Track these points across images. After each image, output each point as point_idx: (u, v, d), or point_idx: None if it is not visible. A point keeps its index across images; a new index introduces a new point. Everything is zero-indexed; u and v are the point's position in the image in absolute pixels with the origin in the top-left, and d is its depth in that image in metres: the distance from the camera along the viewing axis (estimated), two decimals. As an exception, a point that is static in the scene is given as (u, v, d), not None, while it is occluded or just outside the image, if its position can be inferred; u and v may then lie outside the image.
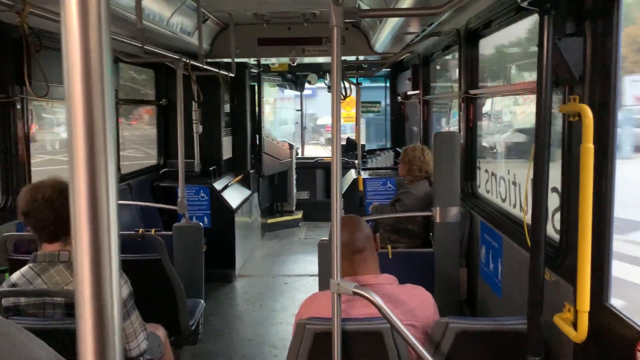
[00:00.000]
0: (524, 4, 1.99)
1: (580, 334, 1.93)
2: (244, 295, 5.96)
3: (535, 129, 2.04)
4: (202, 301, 4.09)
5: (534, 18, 2.51)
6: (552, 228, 2.51)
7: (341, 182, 2.04)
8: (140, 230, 3.84)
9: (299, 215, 8.98)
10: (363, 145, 8.71)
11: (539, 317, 2.06)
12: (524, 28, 3.31)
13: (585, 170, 1.87)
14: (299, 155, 9.71)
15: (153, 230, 3.95)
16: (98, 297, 0.50)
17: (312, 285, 5.96)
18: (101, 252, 0.50)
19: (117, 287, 0.51)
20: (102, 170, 0.49)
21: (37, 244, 2.51)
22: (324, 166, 9.24)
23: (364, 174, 6.58)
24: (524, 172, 2.40)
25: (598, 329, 1.92)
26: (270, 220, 8.71)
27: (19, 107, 3.57)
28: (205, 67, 5.10)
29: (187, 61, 4.59)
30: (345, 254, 2.23)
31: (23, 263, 2.38)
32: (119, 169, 5.51)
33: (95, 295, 0.50)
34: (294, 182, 8.91)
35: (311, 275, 6.32)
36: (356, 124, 7.46)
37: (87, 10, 0.49)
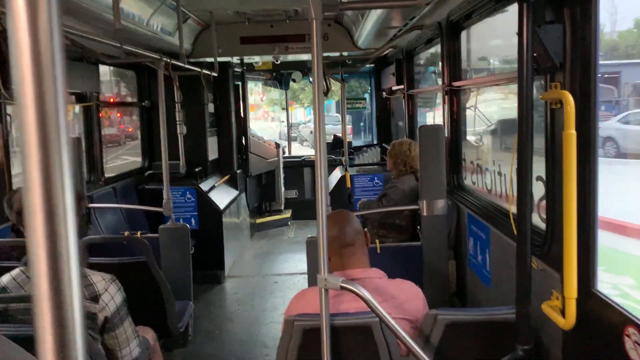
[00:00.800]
0: (503, -8, 1.98)
1: (568, 321, 1.93)
2: (234, 295, 5.93)
3: (518, 118, 2.04)
4: (191, 303, 4.06)
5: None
6: (538, 216, 2.51)
7: (326, 178, 2.02)
8: (126, 233, 3.80)
9: (287, 214, 8.95)
10: (350, 142, 8.70)
11: (528, 306, 2.06)
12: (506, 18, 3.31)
13: (568, 157, 1.87)
14: (286, 154, 9.69)
15: (139, 232, 3.91)
16: (58, 304, 0.48)
17: (302, 284, 5.94)
18: (59, 259, 0.47)
19: (78, 294, 0.49)
20: (57, 177, 0.47)
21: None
22: (311, 164, 9.22)
23: (351, 171, 6.58)
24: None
25: (586, 316, 1.93)
26: (259, 220, 8.68)
27: (-3, 111, 3.51)
28: (187, 66, 5.06)
29: (168, 61, 4.54)
30: (334, 249, 2.22)
31: (3, 271, 2.33)
32: (102, 172, 5.44)
33: (54, 303, 0.47)
34: (282, 181, 8.88)
35: (301, 274, 6.30)
36: (342, 121, 7.45)
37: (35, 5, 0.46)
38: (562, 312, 1.97)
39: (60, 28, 0.47)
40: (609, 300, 1.84)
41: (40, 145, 0.46)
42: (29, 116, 0.46)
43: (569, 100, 1.87)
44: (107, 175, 5.61)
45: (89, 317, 2.17)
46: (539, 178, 2.43)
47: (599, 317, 1.88)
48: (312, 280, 3.34)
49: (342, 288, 1.93)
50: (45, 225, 0.47)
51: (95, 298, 2.20)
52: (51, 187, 0.47)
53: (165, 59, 4.50)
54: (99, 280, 2.25)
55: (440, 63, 4.31)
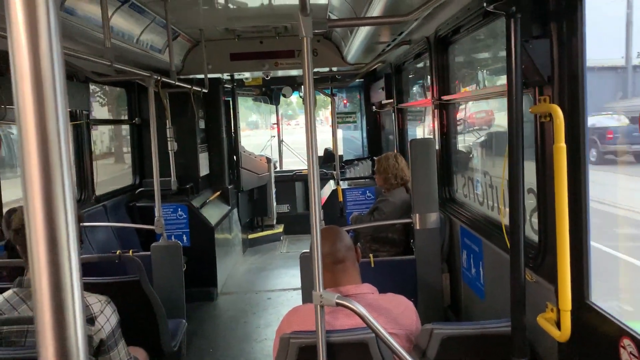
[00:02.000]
0: (490, 8, 2.01)
1: (563, 333, 1.93)
2: (227, 312, 5.88)
3: (508, 131, 2.06)
4: (184, 321, 4.02)
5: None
6: (531, 229, 2.52)
7: (320, 194, 2.02)
8: (118, 251, 3.77)
9: (279, 229, 8.92)
10: (341, 156, 8.72)
11: (522, 319, 2.06)
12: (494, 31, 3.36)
13: (559, 170, 1.88)
14: (278, 169, 9.68)
15: (131, 251, 3.87)
16: (60, 325, 0.47)
17: (296, 299, 5.91)
18: (61, 277, 0.47)
19: (81, 315, 0.48)
20: (59, 194, 0.46)
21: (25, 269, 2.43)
22: (302, 179, 9.22)
23: (343, 184, 6.58)
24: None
25: (581, 328, 1.93)
26: (251, 236, 8.64)
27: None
28: (177, 83, 5.06)
29: (159, 78, 4.55)
30: (326, 265, 2.21)
31: (-5, 292, 2.30)
32: (93, 190, 5.41)
33: (56, 323, 0.47)
34: (274, 195, 8.87)
35: (294, 289, 6.26)
36: (333, 135, 7.47)
37: (36, 24, 0.46)
38: (557, 324, 1.97)
39: (61, 51, 0.47)
40: (604, 312, 1.85)
41: (42, 165, 0.46)
42: (30, 139, 0.46)
43: (558, 113, 1.89)
44: (97, 193, 5.56)
45: None
46: (530, 190, 2.45)
47: (594, 329, 1.89)
48: (307, 296, 3.32)
49: (338, 304, 1.93)
50: (47, 245, 0.46)
51: (91, 320, 2.18)
52: (53, 208, 0.47)
53: (155, 76, 4.50)
54: (95, 302, 2.23)
55: (429, 77, 4.35)
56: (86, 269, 3.57)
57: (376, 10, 3.16)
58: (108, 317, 2.23)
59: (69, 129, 0.48)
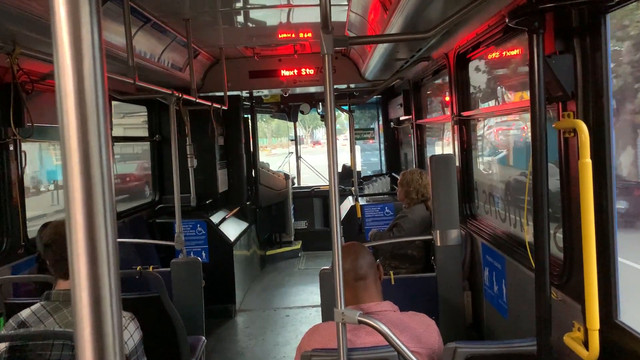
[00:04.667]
0: (512, 24, 2.01)
1: (592, 353, 1.89)
2: (246, 330, 5.86)
3: (532, 147, 2.04)
4: (203, 338, 4.01)
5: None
6: (555, 246, 2.48)
7: (339, 210, 2.02)
8: (138, 267, 3.79)
9: (297, 245, 8.91)
10: (359, 172, 8.72)
11: (549, 338, 2.02)
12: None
13: (585, 186, 1.86)
14: (295, 185, 9.70)
15: (151, 267, 3.89)
16: (99, 338, 0.47)
17: (314, 317, 5.87)
18: (101, 290, 0.47)
19: (119, 327, 0.48)
20: (100, 210, 0.47)
21: (52, 283, 2.46)
22: (321, 195, 9.22)
23: (362, 201, 6.56)
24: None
25: (609, 347, 1.88)
26: (269, 252, 8.63)
27: (11, 149, 3.55)
28: (197, 101, 5.13)
29: (180, 96, 4.61)
30: (347, 282, 2.20)
31: (20, 307, 2.32)
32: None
33: (96, 336, 0.47)
34: (292, 212, 8.87)
35: (313, 307, 6.23)
36: (351, 151, 7.47)
37: (80, 52, 0.48)
38: (585, 344, 1.93)
39: (104, 74, 0.48)
40: (633, 331, 1.81)
41: (84, 182, 0.47)
42: (73, 156, 0.47)
43: (583, 129, 1.87)
44: (118, 209, 5.63)
45: None
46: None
47: (623, 349, 1.84)
48: (326, 314, 3.30)
49: (360, 322, 1.91)
50: (88, 260, 0.47)
51: None
52: (94, 224, 0.47)
53: (176, 94, 4.57)
54: None
55: (448, 93, 4.34)
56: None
57: (395, 27, 3.17)
58: (132, 333, 2.24)
59: (110, 146, 0.49)
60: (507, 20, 2.05)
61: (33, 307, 2.24)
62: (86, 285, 0.46)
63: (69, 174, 0.46)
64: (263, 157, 11.22)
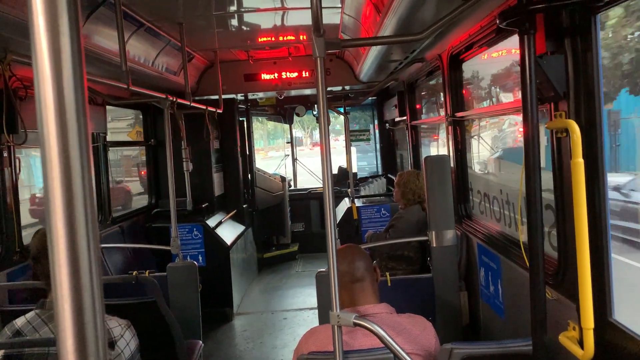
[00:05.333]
0: (503, 25, 2.02)
1: (586, 352, 1.89)
2: (244, 333, 5.85)
3: (524, 147, 2.04)
4: (201, 342, 4.00)
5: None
6: (549, 245, 2.49)
7: (335, 212, 2.01)
8: (134, 272, 3.78)
9: (295, 247, 8.90)
10: (355, 174, 8.72)
11: (544, 338, 2.02)
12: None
13: (577, 186, 1.86)
14: (292, 187, 9.70)
15: (147, 272, 3.88)
16: (82, 348, 0.47)
17: (312, 319, 5.87)
18: (84, 301, 0.47)
19: (103, 338, 0.48)
20: (81, 218, 0.47)
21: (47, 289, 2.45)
22: (317, 197, 9.21)
23: (358, 202, 6.57)
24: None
25: (605, 346, 1.89)
26: (266, 255, 8.62)
27: (5, 155, 3.54)
28: (192, 104, 5.12)
29: (174, 100, 4.61)
30: (344, 284, 2.19)
31: (15, 315, 2.31)
32: (110, 212, 5.46)
33: (78, 346, 0.47)
34: (288, 214, 8.86)
35: (311, 309, 6.22)
36: (347, 153, 7.48)
37: (60, 62, 0.48)
38: (580, 343, 1.93)
39: (84, 77, 0.48)
40: (628, 329, 1.81)
41: (65, 190, 0.47)
42: (54, 162, 0.47)
43: (575, 129, 1.87)
44: (114, 214, 5.62)
45: None
46: (548, 206, 2.42)
47: (618, 348, 1.84)
48: (323, 316, 3.30)
49: (356, 324, 1.91)
50: (70, 269, 0.47)
51: (111, 344, 2.18)
52: (75, 232, 0.47)
53: (171, 98, 4.57)
54: (115, 326, 2.23)
55: (442, 94, 4.35)
56: (103, 290, 3.59)
57: (388, 29, 3.18)
58: (128, 342, 2.23)
59: (90, 153, 0.49)
60: (498, 22, 2.06)
61: (28, 316, 2.23)
62: (68, 295, 0.46)
63: (49, 182, 0.46)
64: (259, 160, 11.21)
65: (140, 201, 7.15)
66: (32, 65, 0.48)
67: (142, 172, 7.43)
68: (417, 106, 6.17)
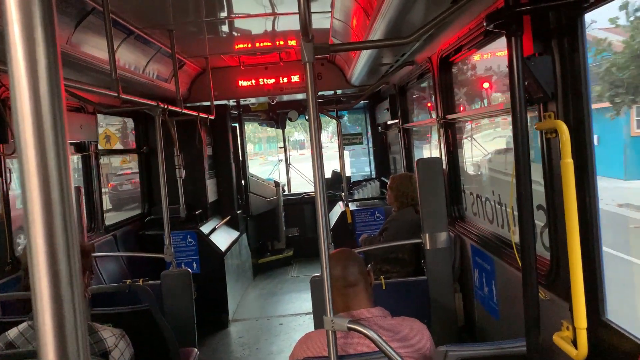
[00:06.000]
0: (490, 27, 2.02)
1: (580, 351, 1.89)
2: (240, 339, 5.83)
3: (514, 148, 2.05)
4: (196, 349, 3.98)
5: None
6: (542, 245, 2.50)
7: (328, 217, 2.01)
8: (128, 281, 3.76)
9: (289, 252, 8.88)
10: (348, 177, 8.71)
11: (538, 338, 2.02)
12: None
13: (567, 186, 1.87)
14: (286, 192, 9.69)
15: (141, 280, 3.87)
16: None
17: (308, 324, 5.85)
18: (65, 314, 0.47)
19: (85, 351, 0.48)
20: (59, 228, 0.46)
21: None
22: (311, 201, 9.20)
23: (352, 206, 6.57)
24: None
25: (598, 345, 1.89)
26: (261, 260, 8.60)
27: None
28: (184, 111, 5.11)
29: (165, 107, 4.60)
30: (338, 288, 2.19)
31: (9, 326, 2.30)
32: (103, 220, 5.43)
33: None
34: (283, 219, 8.85)
35: (306, 314, 6.21)
36: (340, 157, 7.48)
37: (35, 62, 0.47)
38: (574, 343, 1.93)
39: (61, 83, 0.48)
40: (621, 329, 1.81)
41: (44, 201, 0.46)
42: (32, 172, 0.46)
43: (564, 129, 1.88)
44: (107, 223, 5.59)
45: None
46: (539, 207, 2.43)
47: (612, 347, 1.85)
48: (318, 321, 3.29)
49: (350, 329, 1.90)
50: (50, 282, 0.46)
51: (105, 354, 2.16)
52: (55, 245, 0.47)
53: (162, 105, 4.56)
54: (109, 336, 2.21)
55: (433, 96, 4.36)
56: (97, 299, 3.57)
57: (378, 33, 3.19)
58: (122, 351, 2.22)
59: (69, 163, 0.48)
60: (485, 24, 2.07)
61: (20, 327, 2.21)
62: (49, 307, 0.46)
63: (28, 195, 0.46)
64: (256, 165, 11.20)
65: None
66: (9, 75, 0.48)
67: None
68: (409, 109, 6.18)
